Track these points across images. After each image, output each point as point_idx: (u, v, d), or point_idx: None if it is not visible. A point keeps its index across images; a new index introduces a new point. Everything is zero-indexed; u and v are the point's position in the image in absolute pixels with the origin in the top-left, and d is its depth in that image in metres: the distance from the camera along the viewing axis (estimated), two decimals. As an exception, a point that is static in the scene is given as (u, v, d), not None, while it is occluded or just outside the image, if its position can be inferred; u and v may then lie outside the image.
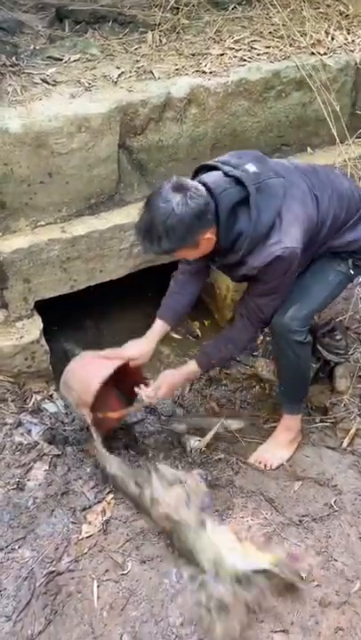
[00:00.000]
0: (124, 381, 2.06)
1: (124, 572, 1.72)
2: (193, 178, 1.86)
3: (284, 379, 2.12)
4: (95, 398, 1.92)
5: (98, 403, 1.96)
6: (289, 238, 1.77)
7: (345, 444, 2.18)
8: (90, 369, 1.97)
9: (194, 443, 2.22)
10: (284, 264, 1.80)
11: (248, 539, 1.73)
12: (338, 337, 2.40)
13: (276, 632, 1.57)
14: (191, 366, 2.04)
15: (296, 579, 1.65)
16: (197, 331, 2.79)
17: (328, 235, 1.95)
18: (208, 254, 1.84)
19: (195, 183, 1.74)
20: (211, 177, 1.78)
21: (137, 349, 2.06)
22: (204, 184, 1.74)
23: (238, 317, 2.00)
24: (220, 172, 1.78)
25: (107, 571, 1.71)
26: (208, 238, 1.75)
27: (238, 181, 1.75)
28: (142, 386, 2.02)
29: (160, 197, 1.69)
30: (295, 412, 2.15)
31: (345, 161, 2.64)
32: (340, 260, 2.03)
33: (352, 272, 2.06)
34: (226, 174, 1.77)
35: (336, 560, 1.78)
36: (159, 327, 2.10)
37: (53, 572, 1.70)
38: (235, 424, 2.31)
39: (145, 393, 2.01)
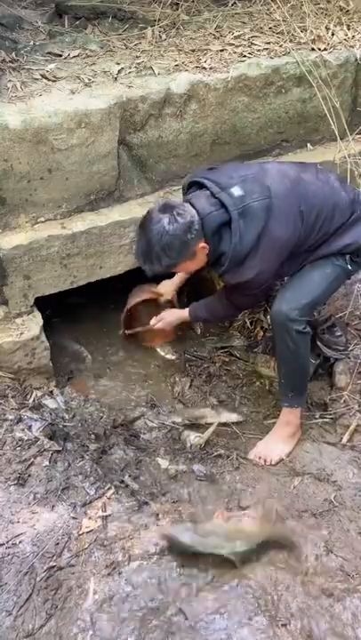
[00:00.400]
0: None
1: (125, 566, 1.72)
2: (186, 192, 2.07)
3: (284, 370, 2.14)
4: (127, 316, 2.60)
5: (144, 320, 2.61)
6: (264, 262, 1.93)
7: (345, 440, 2.18)
8: (133, 296, 2.61)
9: (194, 439, 2.22)
10: (255, 284, 1.99)
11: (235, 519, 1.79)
12: (338, 333, 2.41)
13: (275, 625, 1.58)
14: (185, 314, 2.40)
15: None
16: (198, 328, 2.79)
17: (317, 242, 2.04)
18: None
19: (179, 202, 1.94)
20: (198, 198, 1.94)
21: (164, 288, 2.58)
22: (193, 205, 1.91)
23: (223, 294, 2.22)
24: (208, 193, 1.93)
25: (107, 565, 1.72)
26: (202, 247, 1.92)
27: (223, 204, 1.89)
28: (154, 317, 2.52)
29: (151, 220, 1.89)
30: (295, 405, 2.16)
31: (345, 157, 2.64)
32: (339, 255, 2.08)
33: (350, 267, 2.11)
34: (213, 195, 1.91)
35: (336, 555, 1.78)
36: (181, 275, 2.56)
37: (54, 566, 1.70)
38: (232, 417, 2.33)
39: (152, 321, 2.51)
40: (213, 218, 1.89)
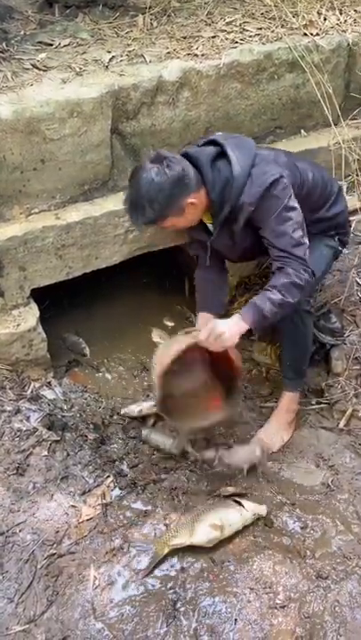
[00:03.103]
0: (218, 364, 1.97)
1: (124, 553, 1.74)
2: None
3: (290, 352, 2.15)
4: (162, 381, 1.86)
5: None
6: (271, 167, 1.86)
7: (341, 425, 2.20)
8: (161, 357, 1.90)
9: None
10: (278, 188, 1.82)
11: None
12: (333, 320, 2.41)
13: (274, 607, 1.60)
14: (242, 324, 1.83)
15: None
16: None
17: (316, 203, 2.06)
18: (203, 229, 1.98)
19: (172, 153, 1.86)
20: (188, 148, 2.00)
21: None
22: (184, 153, 1.90)
23: (275, 269, 1.87)
24: (195, 145, 1.99)
25: (107, 552, 1.74)
26: (191, 203, 1.83)
27: (212, 142, 1.91)
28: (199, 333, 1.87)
29: (141, 170, 1.82)
30: (296, 388, 2.19)
31: (339, 143, 2.63)
32: (329, 237, 2.16)
33: (340, 248, 2.21)
34: (198, 145, 1.97)
35: (333, 538, 1.80)
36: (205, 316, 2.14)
37: (54, 554, 1.72)
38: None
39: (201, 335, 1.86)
40: (205, 151, 1.88)
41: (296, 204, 1.86)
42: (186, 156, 1.88)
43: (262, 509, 1.83)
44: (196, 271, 2.25)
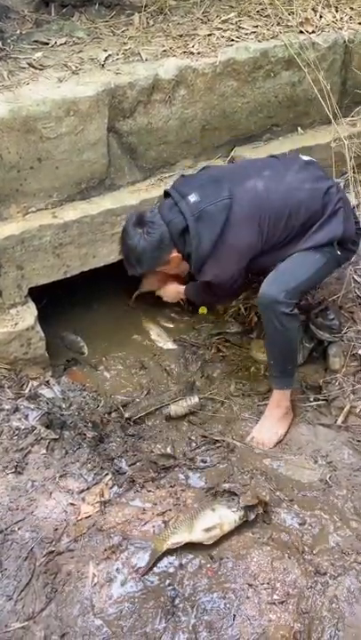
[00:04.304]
0: None
1: (123, 551, 1.74)
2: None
3: (272, 352, 2.17)
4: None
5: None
6: (221, 268, 2.13)
7: (339, 422, 2.20)
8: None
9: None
10: (221, 283, 2.20)
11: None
12: (331, 316, 2.42)
13: (272, 603, 1.60)
14: (182, 289, 2.56)
15: None
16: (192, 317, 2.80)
17: (284, 240, 2.12)
18: None
19: (152, 217, 2.18)
20: (163, 208, 2.20)
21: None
22: (160, 214, 2.18)
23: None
24: (171, 202, 2.18)
25: (105, 550, 1.74)
26: (175, 256, 2.22)
27: (182, 212, 2.12)
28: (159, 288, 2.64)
29: (127, 234, 2.24)
30: (284, 386, 2.19)
31: (335, 140, 2.63)
32: (329, 245, 2.12)
33: (339, 253, 2.14)
34: (175, 203, 2.15)
35: (331, 534, 1.81)
36: None
37: (53, 552, 1.72)
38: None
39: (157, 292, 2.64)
40: (175, 225, 2.14)
41: (226, 287, 2.25)
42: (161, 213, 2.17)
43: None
44: None
